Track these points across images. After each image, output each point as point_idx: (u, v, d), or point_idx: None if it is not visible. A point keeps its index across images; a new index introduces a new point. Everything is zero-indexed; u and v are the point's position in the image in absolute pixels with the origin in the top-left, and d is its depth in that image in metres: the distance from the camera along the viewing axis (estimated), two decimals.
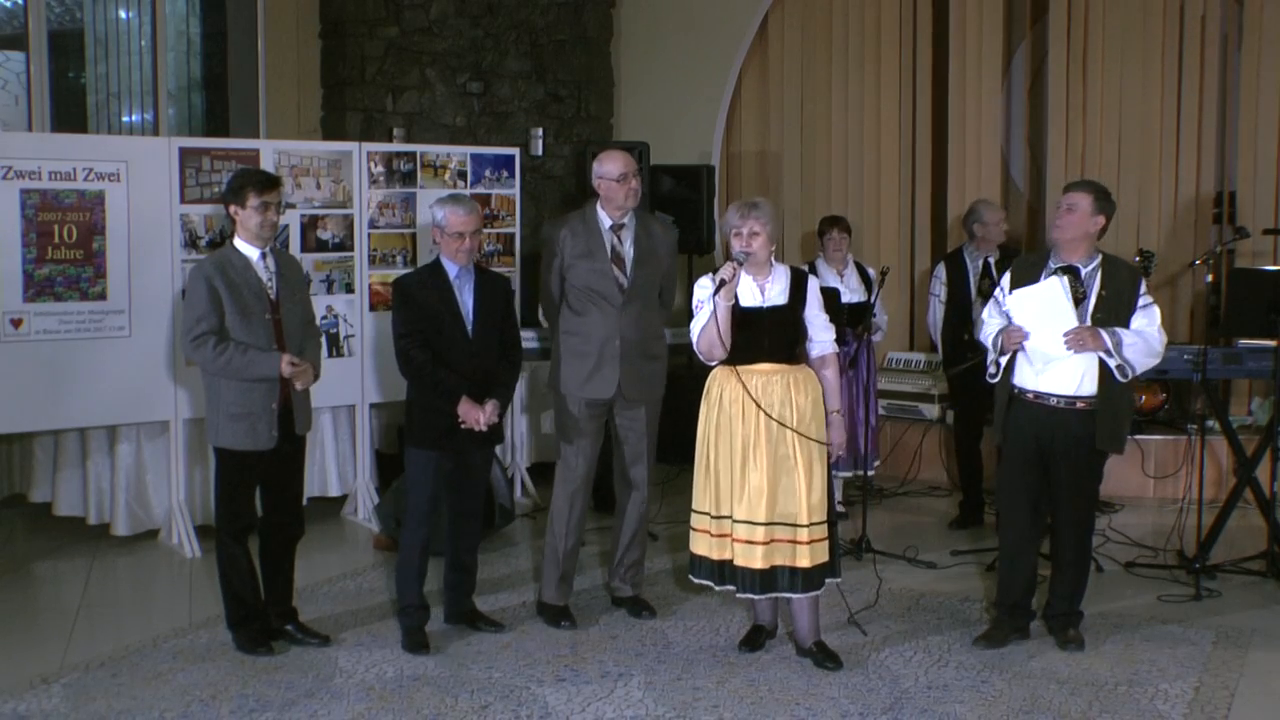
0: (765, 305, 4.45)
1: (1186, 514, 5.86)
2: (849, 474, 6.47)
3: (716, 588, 4.55)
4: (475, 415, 4.63)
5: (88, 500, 6.08)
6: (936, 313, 6.57)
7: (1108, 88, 7.75)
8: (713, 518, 4.50)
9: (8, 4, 7.29)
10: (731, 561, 4.45)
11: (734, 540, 4.43)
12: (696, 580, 4.58)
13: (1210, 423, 5.90)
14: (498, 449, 6.78)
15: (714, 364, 4.51)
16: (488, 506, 5.87)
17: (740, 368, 4.43)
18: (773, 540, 4.38)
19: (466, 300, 4.71)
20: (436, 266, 4.75)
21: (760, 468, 4.38)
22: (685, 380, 7.94)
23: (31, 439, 6.24)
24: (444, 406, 4.64)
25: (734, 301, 4.39)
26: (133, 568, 5.78)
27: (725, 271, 4.32)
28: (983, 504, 6.49)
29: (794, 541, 4.38)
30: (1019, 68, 8.24)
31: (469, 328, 4.69)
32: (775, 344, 4.46)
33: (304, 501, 5.00)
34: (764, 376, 4.42)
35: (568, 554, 5.02)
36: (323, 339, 5.35)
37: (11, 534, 6.31)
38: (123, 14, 7.73)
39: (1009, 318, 4.64)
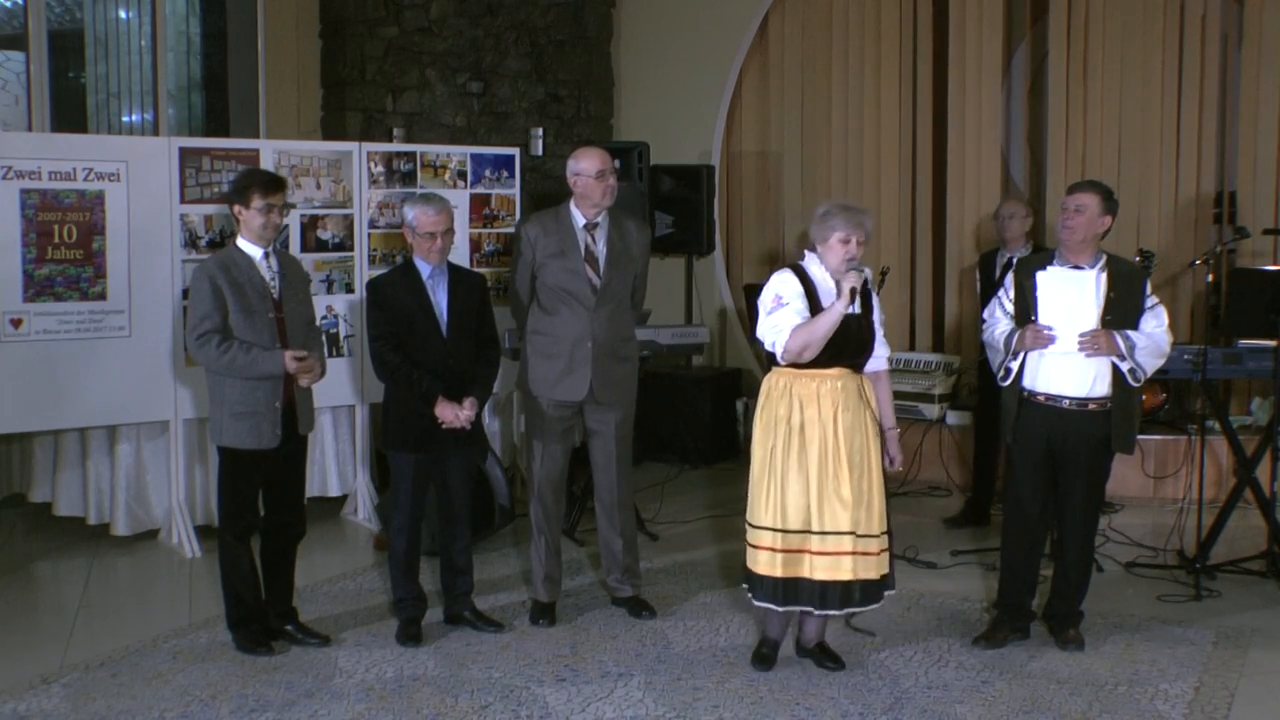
0: (848, 312, 4.28)
1: (1186, 514, 5.86)
2: None
3: (780, 609, 4.34)
4: (453, 415, 4.62)
5: (88, 500, 6.08)
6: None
7: (1108, 88, 7.75)
8: (784, 533, 4.30)
9: (8, 4, 7.28)
10: (808, 577, 4.28)
11: (814, 554, 4.26)
12: (779, 609, 4.36)
13: (1210, 423, 5.89)
14: (498, 449, 6.80)
15: (790, 364, 4.30)
16: (487, 507, 5.87)
17: (817, 372, 4.29)
18: (856, 552, 4.25)
19: (440, 300, 4.68)
20: (409, 266, 4.72)
21: (843, 477, 4.25)
22: (684, 382, 7.97)
23: (31, 439, 6.24)
24: (421, 408, 4.62)
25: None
26: (133, 568, 5.77)
27: (854, 279, 4.20)
28: (988, 504, 6.47)
29: (867, 553, 4.27)
30: (1019, 68, 8.23)
31: (443, 328, 4.67)
32: (854, 350, 4.34)
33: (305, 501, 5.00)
34: (838, 381, 4.30)
35: (546, 552, 5.00)
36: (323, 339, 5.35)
37: (11, 534, 6.31)
38: (123, 14, 7.72)
39: (1012, 312, 4.63)
